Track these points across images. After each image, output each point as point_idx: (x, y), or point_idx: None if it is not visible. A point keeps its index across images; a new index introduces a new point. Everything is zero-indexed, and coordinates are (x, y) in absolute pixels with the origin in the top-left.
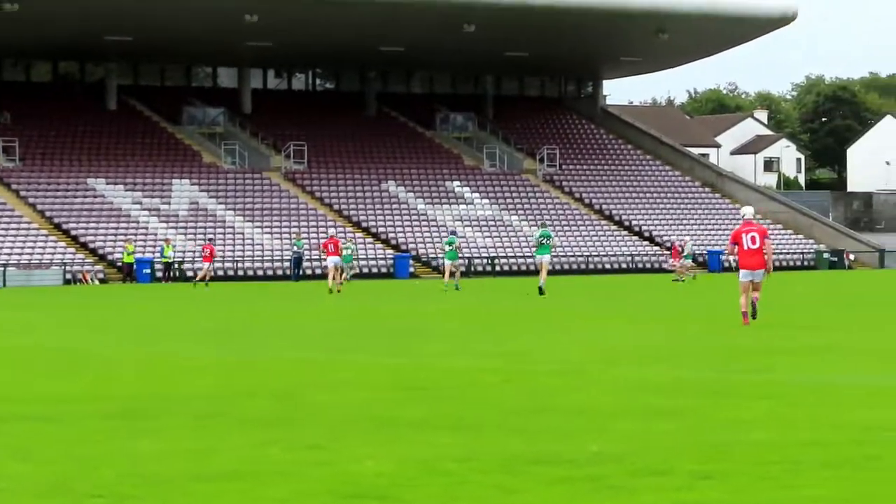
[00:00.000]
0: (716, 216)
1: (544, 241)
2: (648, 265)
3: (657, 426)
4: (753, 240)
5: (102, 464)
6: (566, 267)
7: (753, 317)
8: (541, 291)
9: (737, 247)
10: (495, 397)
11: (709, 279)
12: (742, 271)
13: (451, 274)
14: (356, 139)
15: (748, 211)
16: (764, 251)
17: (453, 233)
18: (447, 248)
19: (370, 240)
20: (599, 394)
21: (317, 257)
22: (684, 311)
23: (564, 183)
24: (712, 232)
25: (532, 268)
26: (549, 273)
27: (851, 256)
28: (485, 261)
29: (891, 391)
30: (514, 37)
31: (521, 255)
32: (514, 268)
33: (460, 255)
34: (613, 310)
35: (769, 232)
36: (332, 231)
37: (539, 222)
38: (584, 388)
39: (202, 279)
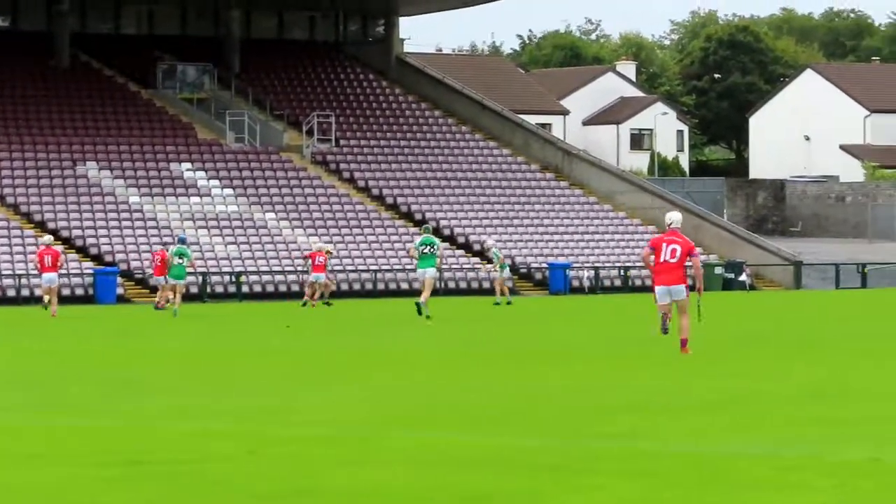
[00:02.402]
0: (560, 213)
1: (427, 251)
2: (464, 283)
3: None
4: (674, 253)
5: None
6: (345, 287)
7: (683, 346)
8: (419, 311)
9: (653, 256)
10: (235, 475)
11: (544, 304)
12: (658, 288)
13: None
14: (39, 100)
15: (676, 218)
16: (693, 275)
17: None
18: (423, 249)
19: (64, 248)
20: (388, 470)
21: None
22: (521, 347)
23: (343, 166)
24: (554, 236)
25: (295, 288)
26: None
27: (747, 272)
28: (227, 277)
29: (807, 465)
30: None
31: (281, 268)
32: (273, 287)
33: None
34: (413, 346)
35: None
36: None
37: (423, 227)
38: (365, 462)
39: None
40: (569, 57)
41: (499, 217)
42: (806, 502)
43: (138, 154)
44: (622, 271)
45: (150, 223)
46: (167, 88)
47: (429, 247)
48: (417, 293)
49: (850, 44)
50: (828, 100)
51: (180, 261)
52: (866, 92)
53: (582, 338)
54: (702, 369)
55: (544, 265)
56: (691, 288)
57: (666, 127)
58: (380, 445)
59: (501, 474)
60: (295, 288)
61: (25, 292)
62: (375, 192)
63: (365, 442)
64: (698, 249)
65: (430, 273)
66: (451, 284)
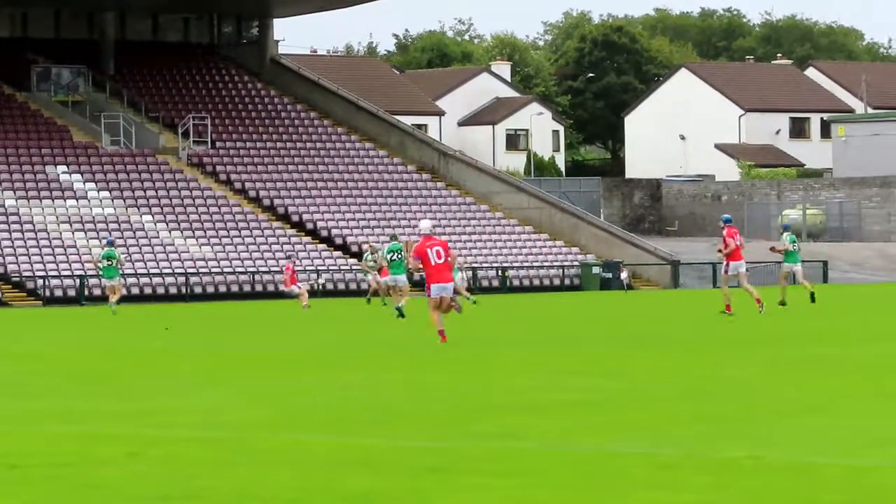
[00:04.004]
0: (437, 214)
1: (396, 258)
2: (342, 284)
3: None
4: (439, 254)
5: None
6: (223, 289)
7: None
8: (401, 314)
9: (420, 261)
10: (117, 478)
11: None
12: (434, 286)
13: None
14: None
15: (426, 225)
16: (457, 266)
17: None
18: (391, 256)
19: None
20: (269, 472)
21: None
22: (401, 348)
23: (219, 167)
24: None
25: (173, 290)
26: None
27: (624, 272)
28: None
29: (685, 463)
30: None
31: (159, 270)
32: (151, 289)
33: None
34: (293, 347)
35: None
36: None
37: (391, 235)
38: (246, 463)
39: None
40: (437, 57)
41: (376, 218)
42: (685, 500)
43: (13, 157)
44: (500, 272)
45: (26, 226)
46: (42, 91)
47: (397, 253)
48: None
49: (724, 43)
50: (702, 99)
51: (109, 263)
52: (741, 91)
53: (462, 338)
54: (579, 368)
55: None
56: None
57: (541, 127)
58: (261, 447)
59: (383, 475)
60: (173, 290)
61: None
62: (252, 193)
63: (246, 443)
64: (575, 249)
65: (401, 280)
66: (329, 286)
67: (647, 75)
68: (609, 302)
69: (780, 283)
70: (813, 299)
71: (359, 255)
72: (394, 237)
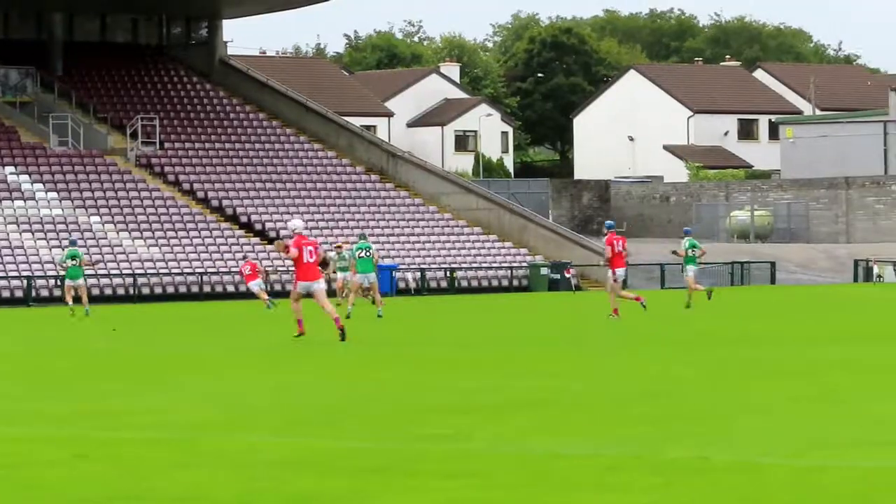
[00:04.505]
0: (386, 215)
1: (364, 255)
2: (292, 285)
3: None
4: (311, 253)
5: None
6: (171, 290)
7: (342, 338)
8: (379, 315)
9: (298, 253)
10: (63, 480)
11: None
12: (301, 283)
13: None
14: None
15: (299, 224)
16: (319, 264)
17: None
18: (360, 254)
19: None
20: (216, 472)
21: None
22: (346, 350)
23: (168, 168)
24: (381, 238)
25: (121, 291)
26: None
27: (572, 273)
28: (52, 281)
29: (632, 464)
30: None
31: (107, 271)
32: (98, 290)
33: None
34: (237, 349)
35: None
36: None
37: (360, 234)
38: (192, 465)
39: None
40: (386, 58)
41: (325, 219)
42: (632, 502)
43: None
44: (448, 272)
45: None
46: None
47: (365, 251)
48: (244, 296)
49: (674, 44)
50: (651, 100)
51: (74, 262)
52: (689, 92)
53: (407, 339)
54: (525, 370)
55: None
56: None
57: (490, 128)
58: (206, 448)
59: (326, 476)
60: (120, 291)
61: None
62: (200, 194)
63: (192, 445)
64: (524, 250)
65: (371, 277)
66: (277, 287)
67: (595, 77)
68: (557, 303)
69: (690, 287)
70: (709, 297)
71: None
72: (363, 236)
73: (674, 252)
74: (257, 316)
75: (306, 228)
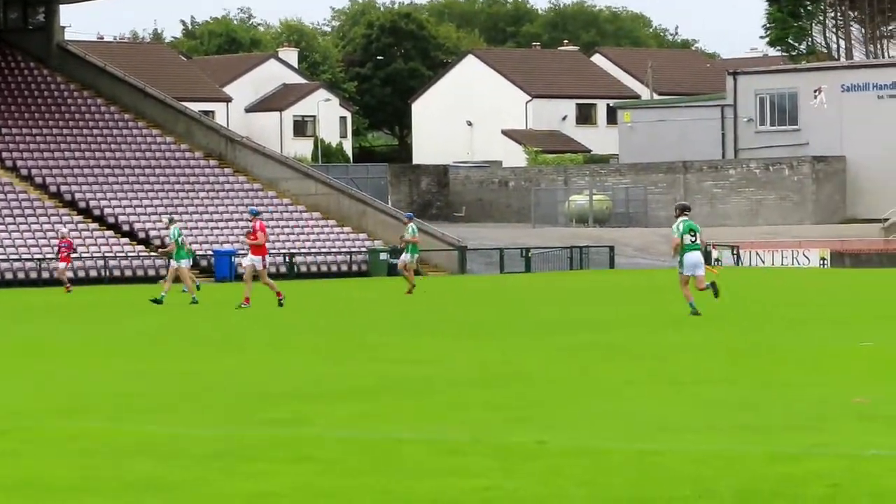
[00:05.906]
0: (225, 200)
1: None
2: (130, 271)
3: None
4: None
5: None
6: (10, 277)
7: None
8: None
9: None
10: None
11: (210, 291)
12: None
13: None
14: None
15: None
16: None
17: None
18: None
19: None
20: (50, 460)
21: None
22: (187, 336)
23: (5, 154)
24: (220, 223)
25: None
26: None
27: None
28: None
29: (471, 448)
30: None
31: None
32: None
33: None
34: (82, 338)
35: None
36: None
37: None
38: (31, 452)
39: None
40: (225, 44)
41: (163, 204)
42: (472, 486)
43: None
44: (287, 258)
45: None
46: None
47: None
48: (83, 282)
49: (511, 29)
50: (489, 85)
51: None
52: (527, 77)
53: (246, 325)
54: (366, 355)
55: (209, 252)
56: None
57: (329, 113)
58: (46, 435)
59: (166, 462)
60: None
61: None
62: (39, 180)
63: (31, 432)
64: (363, 235)
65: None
66: (117, 273)
67: (434, 62)
68: (396, 288)
69: (404, 272)
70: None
71: (146, 242)
72: (171, 220)
73: (401, 238)
74: (97, 303)
75: (145, 213)
